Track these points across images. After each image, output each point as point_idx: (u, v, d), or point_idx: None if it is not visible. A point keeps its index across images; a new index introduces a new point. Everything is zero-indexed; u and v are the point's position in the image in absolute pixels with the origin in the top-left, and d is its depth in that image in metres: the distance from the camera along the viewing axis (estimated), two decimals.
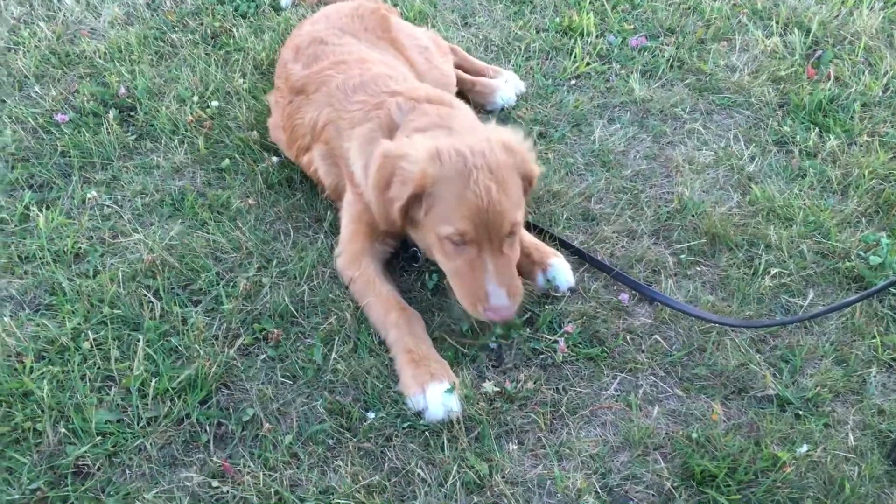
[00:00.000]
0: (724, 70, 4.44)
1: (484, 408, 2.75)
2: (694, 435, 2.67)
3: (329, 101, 3.39)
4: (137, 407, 2.71)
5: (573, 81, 4.42)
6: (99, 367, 2.83)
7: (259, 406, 2.77)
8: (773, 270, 3.22)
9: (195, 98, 4.15)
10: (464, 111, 3.28)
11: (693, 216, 3.51)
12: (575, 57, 4.53)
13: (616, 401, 2.83)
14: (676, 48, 4.60)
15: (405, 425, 2.72)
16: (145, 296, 3.10)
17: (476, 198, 2.73)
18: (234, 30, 4.71)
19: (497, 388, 2.81)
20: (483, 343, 2.98)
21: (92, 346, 2.88)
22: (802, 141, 3.91)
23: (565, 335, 2.98)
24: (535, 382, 2.84)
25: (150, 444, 2.63)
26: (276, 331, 2.99)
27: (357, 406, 2.78)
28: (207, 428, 2.69)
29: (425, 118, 3.08)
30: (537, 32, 4.78)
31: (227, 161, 3.79)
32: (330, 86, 3.43)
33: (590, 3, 4.99)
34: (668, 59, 4.51)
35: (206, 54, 4.52)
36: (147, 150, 3.91)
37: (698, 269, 3.32)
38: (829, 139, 3.88)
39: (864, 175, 3.65)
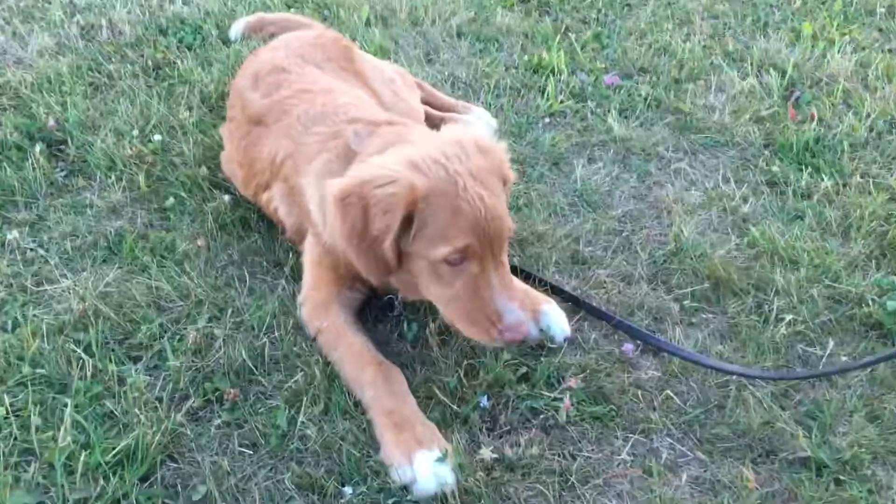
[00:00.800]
0: (703, 110, 4.23)
1: (482, 478, 2.35)
2: None
3: (288, 132, 3.03)
4: (62, 487, 2.23)
5: (547, 120, 4.15)
6: (16, 439, 2.36)
7: (213, 482, 2.31)
8: (786, 317, 2.93)
9: (135, 132, 3.73)
10: (423, 128, 2.95)
11: (691, 259, 3.21)
12: (547, 95, 4.26)
13: (631, 466, 2.46)
14: (652, 87, 4.38)
15: (390, 502, 2.29)
16: (74, 352, 2.64)
17: (471, 207, 2.39)
18: (179, 62, 4.32)
19: (495, 455, 2.42)
20: (474, 403, 2.59)
21: (8, 413, 2.41)
22: (795, 181, 3.69)
23: (568, 391, 2.61)
24: (538, 447, 2.45)
25: None
26: (231, 391, 2.55)
27: (331, 479, 2.35)
28: None
29: (380, 140, 2.72)
30: (506, 70, 4.52)
31: (171, 200, 3.37)
32: (291, 116, 3.06)
33: (557, 42, 4.76)
34: (645, 98, 4.28)
35: (148, 86, 4.12)
36: (79, 187, 3.45)
37: (703, 316, 3.01)
38: (823, 180, 3.66)
39: (864, 217, 3.43)
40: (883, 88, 4.41)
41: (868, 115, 4.15)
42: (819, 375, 2.70)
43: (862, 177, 3.73)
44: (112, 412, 2.48)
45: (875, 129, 4.09)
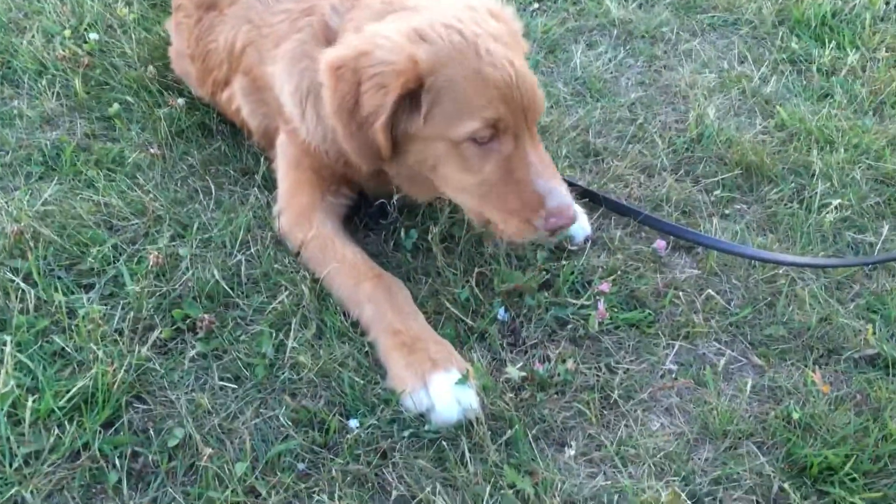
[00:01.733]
0: None
1: (511, 400, 2.00)
2: (795, 415, 1.99)
3: (248, 15, 2.55)
4: (9, 440, 1.83)
5: (536, 5, 3.71)
6: None
7: (192, 424, 1.93)
8: (831, 203, 2.59)
9: (66, 32, 3.21)
10: None
11: (716, 145, 2.85)
12: None
13: (678, 377, 2.13)
14: None
15: (406, 434, 1.93)
16: (12, 281, 2.20)
17: (499, 72, 1.99)
18: None
19: (523, 373, 2.06)
20: (491, 316, 2.22)
21: None
22: (818, 58, 3.32)
23: (600, 296, 2.25)
24: (571, 361, 2.10)
25: (31, 492, 1.76)
26: (205, 317, 2.15)
27: (333, 412, 1.98)
28: (117, 462, 1.83)
29: (369, 10, 2.25)
30: None
31: (116, 106, 2.89)
32: None
33: None
34: None
35: None
36: (4, 96, 2.96)
37: (737, 206, 2.66)
38: (848, 55, 3.30)
39: None
40: None
41: None
42: (884, 261, 2.38)
43: (887, 50, 3.38)
44: (63, 349, 2.06)
45: (892, 2, 3.72)
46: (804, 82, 3.22)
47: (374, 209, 2.52)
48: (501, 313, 2.24)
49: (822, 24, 3.52)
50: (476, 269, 2.32)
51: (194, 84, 2.85)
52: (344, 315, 2.19)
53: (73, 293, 2.23)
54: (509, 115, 2.00)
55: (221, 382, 2.04)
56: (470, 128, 1.99)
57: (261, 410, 1.98)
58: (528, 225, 2.05)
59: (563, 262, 2.38)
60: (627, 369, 2.13)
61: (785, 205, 2.63)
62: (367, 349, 2.12)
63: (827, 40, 3.42)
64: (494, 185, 2.06)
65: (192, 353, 2.09)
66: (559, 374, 2.07)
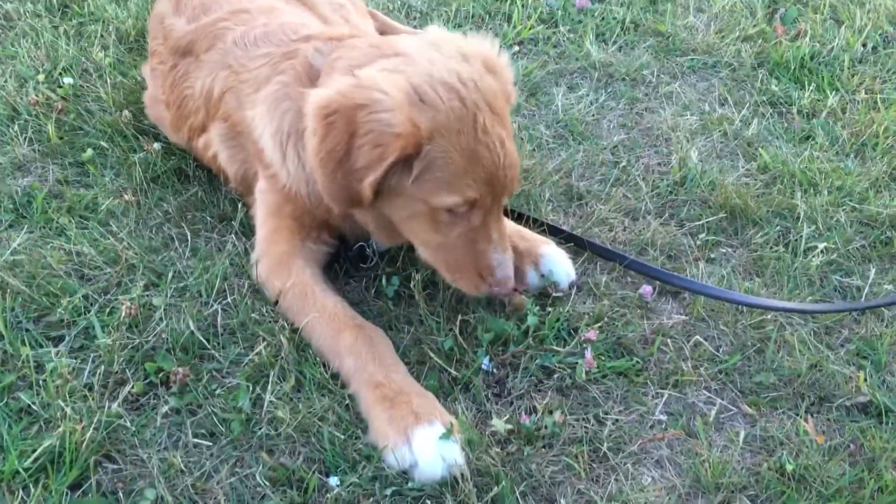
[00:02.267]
0: (685, 30, 3.83)
1: (497, 455, 1.93)
2: (788, 467, 1.94)
3: (226, 60, 2.51)
4: None
5: (517, 48, 3.69)
6: None
7: (164, 484, 1.85)
8: (818, 246, 2.57)
9: (40, 76, 3.16)
10: (409, 35, 2.46)
11: (700, 188, 2.83)
12: (513, 22, 3.81)
13: (668, 428, 2.07)
14: (627, 9, 3.96)
15: (388, 492, 1.87)
16: None
17: (490, 154, 1.99)
18: None
19: (510, 426, 2.00)
20: (476, 365, 2.16)
21: None
22: (798, 100, 3.32)
23: (587, 344, 2.20)
24: (558, 412, 2.04)
25: None
26: (179, 370, 2.08)
27: (313, 470, 1.90)
28: None
29: (355, 51, 2.20)
30: None
31: (89, 151, 2.83)
32: (226, 41, 2.54)
33: None
34: (622, 21, 3.86)
35: (53, 26, 3.52)
36: None
37: (723, 250, 2.63)
38: (828, 97, 3.31)
39: (878, 135, 3.08)
40: (870, 1, 4.07)
41: (861, 30, 3.80)
42: (876, 306, 2.35)
43: (866, 92, 3.39)
44: (30, 406, 1.98)
45: (869, 44, 3.75)
46: (785, 124, 3.22)
47: (354, 252, 2.46)
48: (486, 363, 2.18)
49: (801, 67, 3.53)
50: (459, 317, 2.27)
51: (169, 130, 2.80)
52: (324, 366, 2.13)
53: (41, 346, 2.16)
54: (487, 195, 2.04)
55: (195, 439, 1.96)
56: (451, 201, 2.02)
57: (236, 469, 1.91)
58: (473, 287, 2.16)
59: (549, 309, 2.32)
60: (616, 420, 2.07)
61: (771, 248, 2.60)
62: (347, 402, 2.05)
63: (806, 82, 3.43)
64: (455, 249, 2.12)
65: (165, 408, 2.01)
66: (546, 427, 2.01)
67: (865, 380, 2.16)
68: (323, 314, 2.18)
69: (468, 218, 2.07)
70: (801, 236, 2.60)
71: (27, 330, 2.19)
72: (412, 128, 1.91)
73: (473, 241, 2.10)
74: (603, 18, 3.92)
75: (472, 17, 3.89)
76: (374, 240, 2.40)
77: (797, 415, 2.10)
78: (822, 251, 2.55)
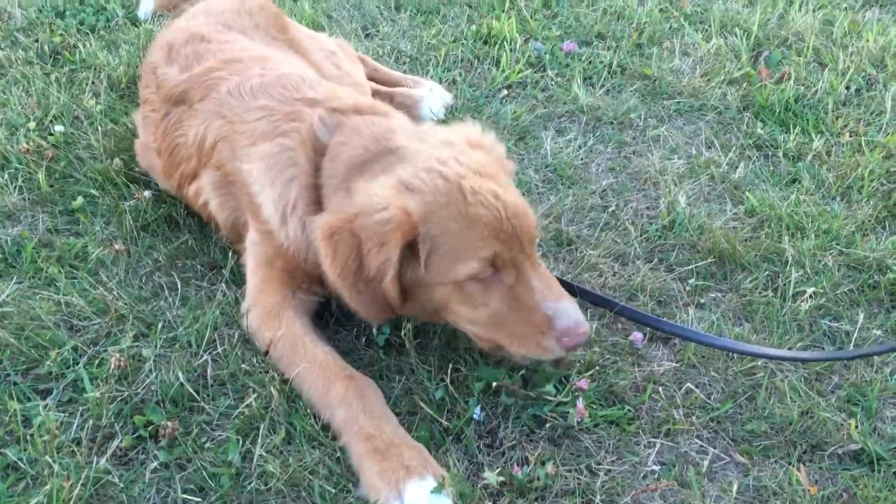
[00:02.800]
0: (671, 74, 3.88)
1: None
2: None
3: (219, 110, 2.53)
4: None
5: (505, 92, 3.74)
6: None
7: None
8: (806, 291, 2.58)
9: (31, 124, 3.17)
10: (400, 120, 2.48)
11: (688, 232, 2.84)
12: (502, 66, 3.85)
13: (661, 478, 2.06)
14: (614, 53, 4.01)
15: None
16: None
17: (487, 209, 1.99)
18: (80, 45, 3.75)
19: (502, 478, 1.98)
20: (467, 416, 2.15)
21: None
22: (783, 143, 3.36)
23: (579, 393, 2.20)
24: (550, 464, 2.03)
25: None
26: (168, 424, 2.06)
27: None
28: None
29: (358, 139, 2.26)
30: (454, 41, 4.08)
31: (80, 200, 2.84)
32: (220, 91, 2.57)
33: (505, 11, 4.36)
34: (609, 65, 3.91)
35: (45, 73, 3.55)
36: None
37: (712, 295, 2.63)
38: (813, 140, 3.34)
39: (863, 178, 3.12)
40: (852, 44, 4.13)
41: (844, 73, 3.86)
42: (866, 355, 2.36)
43: (851, 135, 3.43)
44: (16, 463, 1.96)
45: (853, 87, 3.80)
46: (771, 168, 3.25)
47: (348, 309, 2.45)
48: (477, 413, 2.17)
49: (785, 110, 3.58)
50: (451, 366, 2.26)
51: (160, 177, 2.81)
52: (314, 418, 2.11)
53: (29, 400, 2.14)
54: (505, 249, 2.01)
55: (185, 495, 1.94)
56: (469, 269, 2.00)
57: None
58: (540, 347, 2.05)
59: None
60: (609, 470, 2.06)
61: (760, 293, 2.61)
62: (338, 454, 2.04)
63: (791, 125, 3.47)
64: (504, 315, 2.06)
65: (154, 463, 1.99)
66: (539, 478, 1.99)
67: (856, 427, 2.16)
68: (314, 365, 2.17)
69: (500, 279, 2.04)
70: (790, 281, 2.62)
71: (15, 383, 2.18)
72: (404, 215, 1.96)
73: (517, 300, 2.05)
74: (590, 62, 3.98)
75: (462, 61, 3.93)
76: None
77: (790, 463, 2.09)
78: (810, 296, 2.56)
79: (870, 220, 2.94)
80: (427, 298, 2.11)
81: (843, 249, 2.79)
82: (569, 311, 2.03)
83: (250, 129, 2.43)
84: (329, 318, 2.47)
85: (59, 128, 3.13)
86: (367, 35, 4.16)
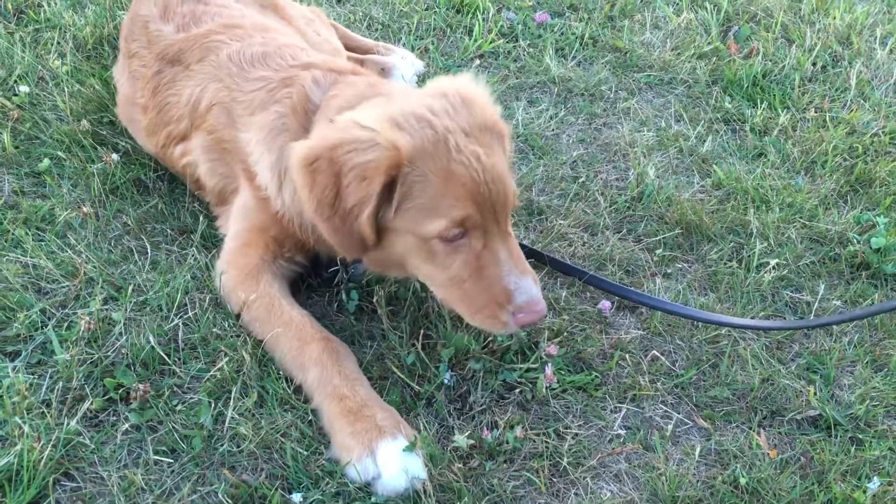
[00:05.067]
0: (641, 47, 3.91)
1: (459, 470, 1.96)
2: (742, 480, 2.00)
3: (218, 74, 2.49)
4: None
5: (478, 61, 3.73)
6: None
7: (124, 502, 1.84)
8: (769, 262, 2.64)
9: None
10: (398, 81, 2.45)
11: (657, 204, 2.89)
12: (475, 35, 3.84)
13: (626, 442, 2.11)
14: (586, 24, 4.02)
15: None
16: None
17: (467, 169, 1.95)
18: (45, 4, 3.66)
19: (472, 441, 2.02)
20: (438, 381, 2.18)
21: None
22: (750, 118, 3.41)
23: (548, 359, 2.24)
24: (519, 428, 2.07)
25: None
26: (139, 386, 2.06)
27: (275, 486, 1.91)
28: None
29: (352, 90, 2.24)
30: (426, 9, 4.06)
31: (46, 161, 2.79)
32: (220, 55, 2.53)
33: None
34: (581, 37, 3.92)
35: (8, 33, 3.46)
36: None
37: (679, 265, 2.69)
38: (779, 115, 3.40)
39: (827, 153, 3.18)
40: (820, 21, 4.19)
41: (811, 49, 3.92)
42: (825, 324, 2.42)
43: (816, 111, 3.49)
44: None
45: (819, 63, 3.86)
46: (738, 142, 3.30)
47: (328, 275, 2.45)
48: (448, 377, 2.20)
49: (753, 85, 3.63)
50: (422, 332, 2.29)
51: (141, 134, 2.77)
52: (286, 381, 2.13)
53: None
54: (477, 214, 1.97)
55: (156, 457, 1.95)
56: (438, 227, 1.97)
57: (198, 487, 1.90)
58: (495, 320, 2.02)
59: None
60: (576, 434, 2.11)
61: (725, 264, 2.67)
62: (310, 418, 2.06)
63: (759, 100, 3.53)
64: (463, 281, 2.03)
65: (126, 425, 1.99)
66: (508, 442, 2.04)
67: (815, 394, 2.23)
68: (289, 327, 2.18)
69: (469, 244, 2.01)
70: (754, 252, 2.68)
71: None
72: (393, 150, 1.92)
73: (480, 268, 2.01)
74: (562, 33, 3.98)
75: (434, 29, 3.92)
76: (350, 265, 2.41)
77: (750, 428, 2.16)
78: (773, 267, 2.63)
79: (832, 195, 3.01)
80: (392, 245, 2.07)
81: (806, 223, 2.85)
82: (530, 289, 2.00)
83: (249, 98, 2.40)
84: (300, 283, 2.47)
85: (23, 88, 3.07)
86: (338, 1, 4.12)
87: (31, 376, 2.09)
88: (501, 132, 2.14)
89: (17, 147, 2.86)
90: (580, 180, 3.01)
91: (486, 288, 2.00)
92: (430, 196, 1.95)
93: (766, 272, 2.62)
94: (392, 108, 2.03)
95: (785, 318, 2.52)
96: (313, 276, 2.48)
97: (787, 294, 2.59)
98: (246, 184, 2.38)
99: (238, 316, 2.28)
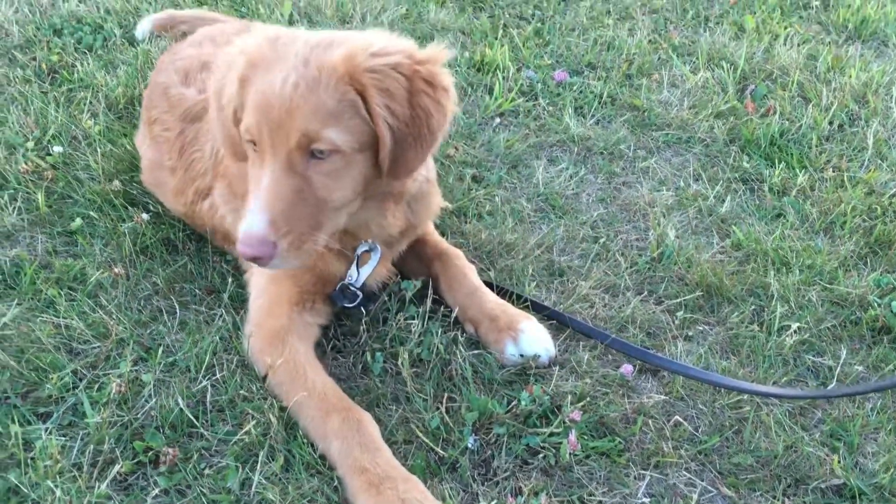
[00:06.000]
0: (659, 105, 3.97)
1: None
2: None
3: None
4: None
5: (498, 120, 3.80)
6: None
7: None
8: (791, 326, 2.66)
9: (30, 144, 3.20)
10: None
11: (677, 265, 2.92)
12: (495, 94, 3.92)
13: None
14: (604, 83, 4.10)
15: None
16: None
17: (270, 86, 2.03)
18: (78, 64, 3.78)
19: None
20: (462, 445, 2.20)
21: None
22: (769, 177, 3.45)
23: (572, 424, 2.25)
24: (544, 495, 2.08)
25: None
26: (168, 450, 2.10)
27: None
28: None
29: None
30: (448, 68, 4.13)
31: (78, 221, 2.87)
32: None
33: (498, 39, 4.44)
34: (599, 95, 3.99)
35: (43, 92, 3.57)
36: None
37: (700, 328, 2.70)
38: (798, 175, 3.43)
39: (846, 213, 3.21)
40: (836, 80, 4.24)
41: (827, 108, 3.96)
42: (853, 394, 2.43)
43: (834, 170, 3.53)
44: (17, 486, 1.98)
45: (836, 122, 3.91)
46: (757, 201, 3.34)
47: (337, 292, 2.48)
48: (472, 442, 2.22)
49: (771, 144, 3.67)
50: (446, 395, 2.31)
51: (168, 195, 2.84)
52: (312, 447, 2.15)
53: (29, 423, 2.16)
54: (255, 128, 2.06)
55: None
56: (244, 126, 2.10)
57: None
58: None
59: (533, 386, 2.37)
60: (600, 502, 2.12)
61: (746, 327, 2.69)
62: (335, 484, 2.08)
63: (776, 160, 3.56)
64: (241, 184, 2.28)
65: (155, 490, 2.02)
66: None
67: (839, 462, 2.23)
68: (312, 394, 2.21)
69: (259, 158, 2.11)
70: (775, 315, 2.69)
71: (15, 406, 2.20)
72: (244, 54, 2.11)
73: (242, 181, 2.25)
74: (581, 92, 4.05)
75: (455, 88, 3.98)
76: (360, 278, 2.46)
77: (775, 497, 2.16)
78: (795, 330, 2.64)
79: (852, 256, 3.03)
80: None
81: (827, 285, 2.87)
82: (253, 223, 2.02)
83: None
84: (325, 344, 2.51)
85: (57, 148, 3.16)
86: None
87: (63, 438, 2.13)
88: (349, 82, 2.03)
89: (50, 206, 2.94)
90: (601, 240, 3.04)
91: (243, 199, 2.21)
92: (249, 100, 2.09)
93: (787, 336, 2.63)
94: (290, 31, 2.21)
95: (807, 383, 2.53)
96: (333, 336, 2.51)
97: (809, 358, 2.60)
98: None
99: (265, 378, 2.31)
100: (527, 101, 3.94)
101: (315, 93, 2.01)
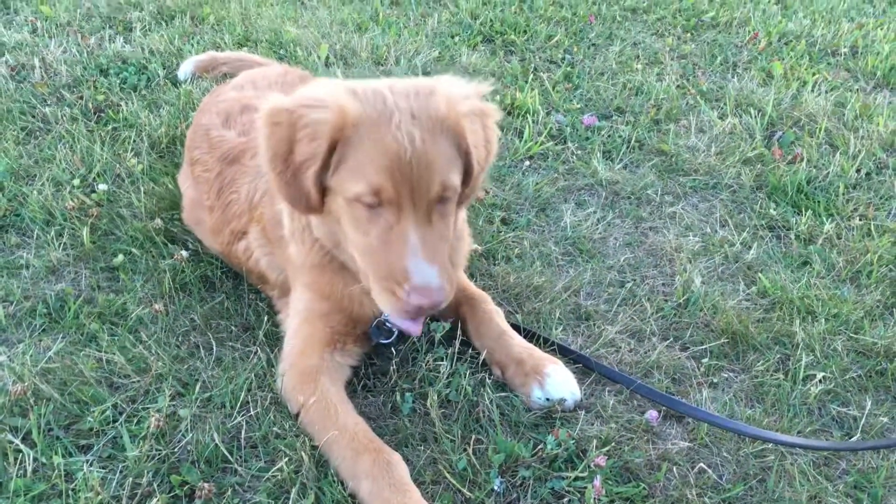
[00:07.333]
0: (687, 151, 4.03)
1: None
2: None
3: None
4: None
5: (527, 163, 3.88)
6: None
7: None
8: (816, 375, 2.68)
9: (76, 181, 3.32)
10: None
11: (703, 312, 2.95)
12: (525, 137, 4.01)
13: None
14: (632, 128, 4.17)
15: None
16: (11, 443, 2.21)
17: (398, 144, 2.07)
18: (123, 104, 3.92)
19: None
20: (488, 487, 2.25)
21: None
22: (795, 225, 3.49)
23: (597, 469, 2.29)
24: None
25: None
26: (204, 485, 2.16)
27: None
28: None
29: None
30: None
31: (120, 257, 2.97)
32: None
33: (528, 83, 4.53)
34: (627, 140, 4.06)
35: (89, 131, 3.71)
36: (12, 245, 3.03)
37: (725, 375, 2.73)
38: (824, 223, 3.47)
39: (873, 262, 3.23)
40: (863, 127, 4.28)
41: (855, 156, 4.00)
42: (877, 447, 2.44)
43: (861, 219, 3.55)
44: None
45: (863, 170, 3.94)
46: (783, 249, 3.37)
47: (374, 327, 2.55)
48: (498, 484, 2.26)
49: (798, 192, 3.71)
50: (473, 437, 2.36)
51: (206, 234, 2.95)
52: (342, 485, 2.21)
53: (71, 455, 2.24)
54: (392, 188, 2.08)
55: None
56: (357, 189, 2.10)
57: None
58: (392, 296, 2.13)
59: (559, 430, 2.41)
60: None
61: (771, 375, 2.71)
62: None
63: (803, 207, 3.60)
64: (376, 252, 2.16)
65: None
66: None
67: None
68: (343, 434, 2.26)
69: (382, 215, 2.12)
70: (800, 364, 2.72)
71: (58, 438, 2.28)
72: (340, 113, 2.09)
73: (389, 242, 2.12)
74: (609, 136, 4.13)
75: None
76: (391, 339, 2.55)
77: None
78: (820, 380, 2.66)
79: (878, 306, 3.05)
80: (329, 206, 2.23)
81: (852, 335, 2.89)
82: (428, 273, 2.08)
83: None
84: (356, 383, 2.57)
85: (102, 186, 3.28)
86: None
87: (103, 470, 2.20)
88: (455, 129, 2.17)
89: (94, 242, 3.04)
90: (627, 285, 3.09)
91: (391, 263, 2.12)
92: (359, 161, 2.10)
93: (812, 385, 2.65)
94: (361, 83, 2.21)
95: (831, 433, 2.55)
96: (364, 375, 2.57)
97: (834, 408, 2.62)
98: (288, 267, 2.56)
99: (297, 416, 2.38)
100: (556, 144, 4.02)
101: (438, 143, 2.13)
